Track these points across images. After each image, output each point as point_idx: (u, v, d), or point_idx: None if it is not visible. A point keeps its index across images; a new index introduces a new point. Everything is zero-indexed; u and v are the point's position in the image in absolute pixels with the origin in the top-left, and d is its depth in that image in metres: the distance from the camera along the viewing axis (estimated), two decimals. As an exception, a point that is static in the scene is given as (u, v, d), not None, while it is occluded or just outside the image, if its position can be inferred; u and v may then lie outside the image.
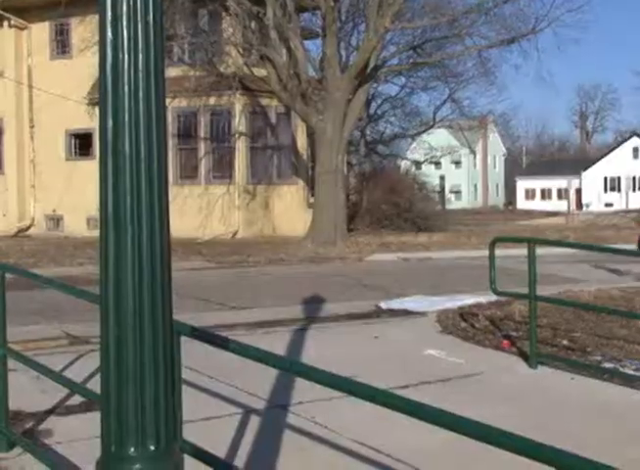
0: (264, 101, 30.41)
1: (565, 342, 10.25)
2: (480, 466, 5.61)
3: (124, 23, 2.24)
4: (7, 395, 6.11)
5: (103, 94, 2.26)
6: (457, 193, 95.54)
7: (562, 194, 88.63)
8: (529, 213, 66.05)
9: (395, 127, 47.62)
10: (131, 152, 2.25)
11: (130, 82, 2.24)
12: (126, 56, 2.24)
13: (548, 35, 31.07)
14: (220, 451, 5.39)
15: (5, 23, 32.62)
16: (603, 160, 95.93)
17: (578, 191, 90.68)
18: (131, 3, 2.23)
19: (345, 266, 21.00)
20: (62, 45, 32.66)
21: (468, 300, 13.31)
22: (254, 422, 6.81)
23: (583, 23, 57.98)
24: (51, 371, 6.18)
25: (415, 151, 57.00)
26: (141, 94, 2.25)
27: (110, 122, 2.25)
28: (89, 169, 29.05)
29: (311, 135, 30.08)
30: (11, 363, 6.22)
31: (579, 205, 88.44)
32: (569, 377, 8.66)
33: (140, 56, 2.25)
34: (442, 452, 5.88)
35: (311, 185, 30.43)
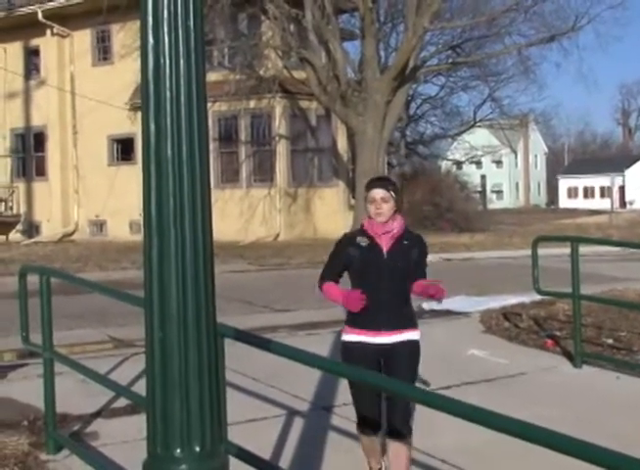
0: (304, 103, 30.46)
1: (610, 341, 10.15)
2: (525, 466, 5.58)
3: (165, 29, 2.26)
4: (54, 398, 6.18)
5: (145, 99, 2.28)
6: (499, 192, 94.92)
7: (605, 192, 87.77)
8: (572, 212, 65.44)
9: (436, 128, 47.54)
10: (173, 156, 2.27)
11: (172, 87, 2.26)
12: (167, 61, 2.26)
13: (589, 32, 31.03)
14: (265, 453, 5.40)
15: (48, 32, 33.01)
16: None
17: (622, 189, 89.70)
18: (172, 9, 2.25)
19: (387, 268, 20.90)
20: (103, 52, 32.99)
21: (511, 299, 13.22)
22: (299, 424, 6.83)
23: (625, 19, 57.53)
24: (97, 374, 6.24)
25: (455, 151, 56.75)
26: (182, 98, 2.27)
27: (152, 127, 2.27)
28: (131, 174, 29.29)
29: (351, 137, 30.07)
30: (57, 367, 6.29)
31: (623, 202, 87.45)
32: (614, 376, 8.58)
33: (181, 61, 2.26)
34: (487, 453, 5.85)
35: (352, 187, 30.40)
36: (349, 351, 5.26)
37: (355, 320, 5.20)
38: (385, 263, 5.15)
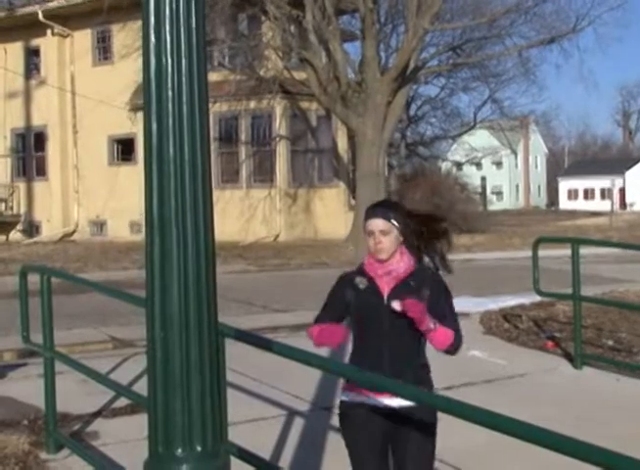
0: (304, 104, 30.46)
1: (610, 342, 10.16)
2: (523, 467, 5.58)
3: (167, 28, 2.26)
4: (55, 397, 6.18)
5: (147, 98, 2.28)
6: (499, 194, 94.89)
7: (605, 194, 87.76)
8: (572, 214, 65.45)
9: (436, 129, 47.56)
10: (175, 155, 2.27)
11: (174, 86, 2.26)
12: (169, 60, 2.26)
13: (589, 34, 31.07)
14: (265, 453, 5.40)
15: (48, 32, 33.00)
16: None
17: (622, 190, 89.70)
18: (174, 8, 2.25)
19: (387, 268, 20.89)
20: (103, 52, 33.00)
21: (511, 301, 13.23)
22: (299, 424, 6.83)
23: (625, 20, 57.60)
24: (97, 374, 6.24)
25: (456, 152, 56.78)
26: (185, 98, 2.27)
27: (154, 126, 2.27)
28: (131, 174, 29.32)
29: (352, 138, 30.07)
30: (58, 366, 6.29)
31: (623, 204, 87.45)
32: (614, 378, 8.58)
33: (183, 60, 2.27)
34: (486, 453, 5.85)
35: (352, 188, 30.41)
36: (347, 416, 4.16)
37: None
38: (384, 310, 4.06)
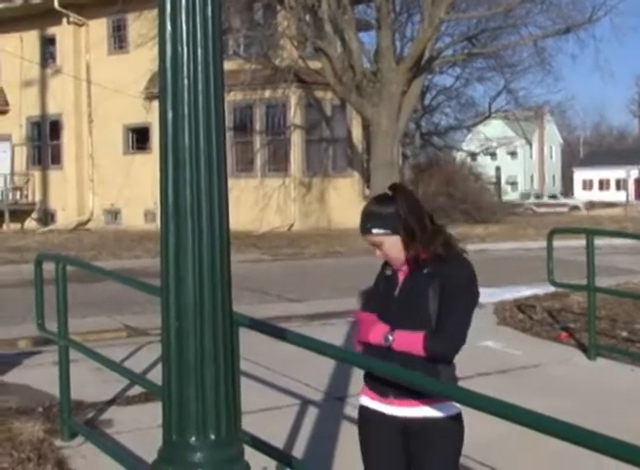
0: (319, 93, 30.44)
1: (624, 333, 10.12)
2: (536, 457, 5.58)
3: (183, 17, 2.26)
4: (69, 385, 6.21)
5: (163, 87, 2.29)
6: (513, 184, 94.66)
7: (620, 184, 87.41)
8: (587, 204, 65.19)
9: (450, 119, 47.38)
10: (191, 144, 2.27)
11: (190, 75, 2.26)
12: (185, 49, 2.26)
13: (605, 23, 30.84)
14: (278, 442, 5.41)
15: (64, 20, 33.08)
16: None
17: (637, 181, 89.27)
18: (190, -4, 2.26)
19: (401, 258, 20.86)
20: (119, 41, 33.06)
21: (525, 291, 13.21)
22: (312, 414, 6.83)
23: (642, 10, 57.15)
24: (111, 362, 6.26)
25: (470, 142, 56.60)
26: (200, 87, 2.27)
27: (170, 115, 2.27)
28: (146, 163, 29.36)
29: (366, 127, 30.05)
30: (72, 354, 6.31)
31: (638, 195, 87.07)
32: (628, 369, 8.56)
33: (199, 49, 2.27)
34: (500, 444, 5.85)
35: (367, 177, 30.39)
36: (361, 421, 3.74)
37: (368, 376, 3.65)
38: (395, 303, 3.59)
